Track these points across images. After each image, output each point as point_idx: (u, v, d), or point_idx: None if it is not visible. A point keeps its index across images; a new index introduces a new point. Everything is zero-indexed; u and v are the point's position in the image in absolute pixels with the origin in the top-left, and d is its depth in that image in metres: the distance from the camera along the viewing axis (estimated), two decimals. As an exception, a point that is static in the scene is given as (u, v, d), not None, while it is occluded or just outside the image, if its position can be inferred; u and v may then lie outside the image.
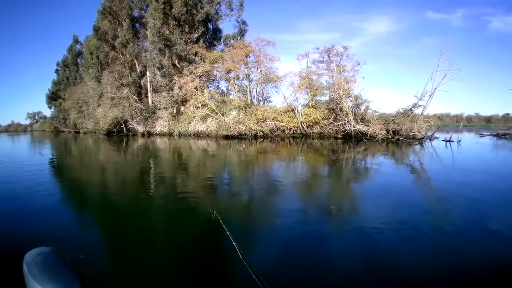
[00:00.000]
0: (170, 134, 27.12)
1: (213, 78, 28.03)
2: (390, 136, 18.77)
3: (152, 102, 29.82)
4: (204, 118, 24.83)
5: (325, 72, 23.72)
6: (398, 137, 18.38)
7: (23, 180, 6.92)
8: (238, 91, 26.33)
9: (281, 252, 3.08)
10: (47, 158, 12.98)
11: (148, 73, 29.71)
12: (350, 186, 6.62)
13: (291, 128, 22.74)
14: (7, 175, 7.92)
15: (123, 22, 29.76)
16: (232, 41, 28.92)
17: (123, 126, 31.61)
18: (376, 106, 22.46)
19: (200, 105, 25.97)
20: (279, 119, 22.61)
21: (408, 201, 5.03)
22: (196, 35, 27.45)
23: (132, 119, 30.05)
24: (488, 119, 68.40)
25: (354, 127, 19.57)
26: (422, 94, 19.29)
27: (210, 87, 27.92)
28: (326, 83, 23.63)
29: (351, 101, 20.88)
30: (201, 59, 26.53)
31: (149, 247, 3.29)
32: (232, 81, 26.55)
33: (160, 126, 28.42)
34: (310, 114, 21.71)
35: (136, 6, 29.76)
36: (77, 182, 7.10)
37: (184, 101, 27.68)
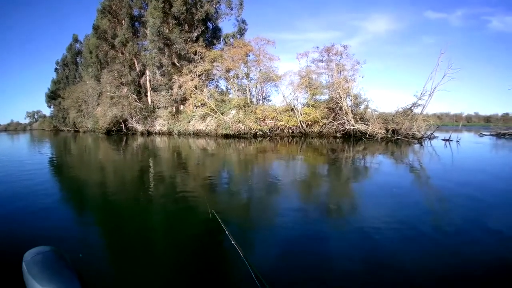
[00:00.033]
0: (169, 133, 27.10)
1: (212, 77, 28.03)
2: (389, 136, 18.78)
3: (152, 101, 29.78)
4: (203, 117, 24.81)
5: (325, 71, 23.74)
6: (397, 137, 18.40)
7: (22, 179, 6.90)
8: (238, 90, 26.30)
9: (281, 252, 3.08)
10: (47, 157, 12.95)
11: (147, 72, 29.66)
12: (349, 186, 6.62)
13: (290, 127, 22.74)
14: (6, 174, 7.90)
15: (123, 21, 29.69)
16: (231, 40, 28.89)
17: (123, 125, 31.57)
18: (375, 105, 22.68)
19: (199, 104, 25.95)
20: (278, 118, 22.60)
21: (408, 201, 5.02)
22: (195, 34, 27.39)
23: (132, 118, 30.01)
24: (488, 119, 68.48)
25: (353, 126, 19.58)
26: (421, 94, 19.33)
27: (210, 86, 27.92)
28: (326, 82, 23.67)
29: (351, 100, 20.89)
30: (200, 58, 26.49)
31: (148, 246, 3.29)
32: (231, 80, 26.52)
33: (160, 125, 28.38)
34: (310, 113, 21.71)
35: (136, 5, 29.71)
36: (76, 181, 7.08)
37: (183, 100, 27.66)
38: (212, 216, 3.11)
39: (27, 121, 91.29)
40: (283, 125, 22.65)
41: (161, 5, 25.16)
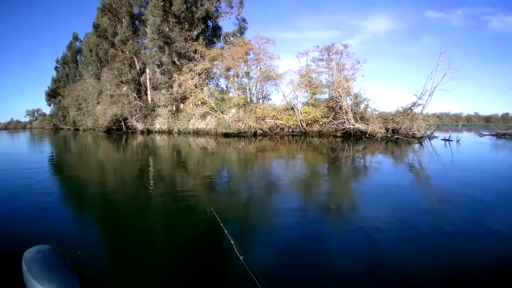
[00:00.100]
0: (169, 132, 27.08)
1: (212, 76, 27.98)
2: (389, 135, 18.77)
3: (152, 100, 29.73)
4: (203, 116, 24.79)
5: (325, 70, 23.67)
6: (397, 136, 18.40)
7: (22, 178, 6.89)
8: (238, 88, 26.26)
9: (280, 252, 3.07)
10: (46, 156, 12.95)
11: (147, 71, 29.61)
12: (349, 185, 6.61)
13: (290, 126, 22.73)
14: (6, 173, 7.90)
15: (123, 19, 29.59)
16: (231, 38, 28.81)
17: (123, 123, 31.53)
18: (375, 105, 22.59)
19: (199, 102, 25.92)
20: (278, 117, 22.58)
21: (408, 201, 5.02)
22: (195, 33, 27.32)
23: (132, 117, 29.96)
24: (488, 119, 68.39)
25: (353, 125, 19.57)
26: (421, 93, 19.34)
27: (210, 84, 27.88)
28: (326, 81, 23.61)
29: (351, 99, 20.87)
30: (200, 57, 26.43)
31: (148, 246, 3.28)
32: (231, 78, 26.47)
33: (160, 123, 28.34)
34: (310, 112, 21.69)
35: (136, 3, 29.61)
36: (76, 180, 7.08)
37: (183, 99, 27.61)
38: (211, 215, 3.10)
39: (27, 119, 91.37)
40: (283, 124, 22.62)
41: (161, 4, 25.08)
